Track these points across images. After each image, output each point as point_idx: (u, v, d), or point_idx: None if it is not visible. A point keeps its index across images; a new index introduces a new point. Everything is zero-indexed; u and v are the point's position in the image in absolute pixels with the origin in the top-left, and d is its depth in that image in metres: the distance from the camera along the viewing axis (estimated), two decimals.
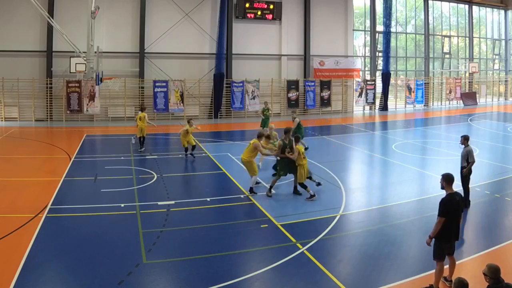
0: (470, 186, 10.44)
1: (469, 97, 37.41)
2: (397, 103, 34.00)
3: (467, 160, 10.08)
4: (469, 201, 10.29)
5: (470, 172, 10.19)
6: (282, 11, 28.87)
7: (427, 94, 35.08)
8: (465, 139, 10.27)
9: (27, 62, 24.19)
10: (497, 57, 41.25)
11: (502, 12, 40.39)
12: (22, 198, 10.78)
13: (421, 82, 34.52)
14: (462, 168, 10.21)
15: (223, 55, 26.98)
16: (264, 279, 6.89)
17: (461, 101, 37.04)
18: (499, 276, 4.83)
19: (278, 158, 11.41)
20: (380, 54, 32.85)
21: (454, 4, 37.52)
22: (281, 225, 8.97)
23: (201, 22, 27.10)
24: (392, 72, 33.03)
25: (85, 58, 18.23)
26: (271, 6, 28.48)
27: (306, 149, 13.73)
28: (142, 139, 16.51)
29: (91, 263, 7.21)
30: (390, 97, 33.77)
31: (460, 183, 10.11)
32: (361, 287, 6.58)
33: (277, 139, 12.59)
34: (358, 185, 12.54)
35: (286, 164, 10.96)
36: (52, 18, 21.47)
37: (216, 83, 26.85)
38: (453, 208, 6.20)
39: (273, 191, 11.04)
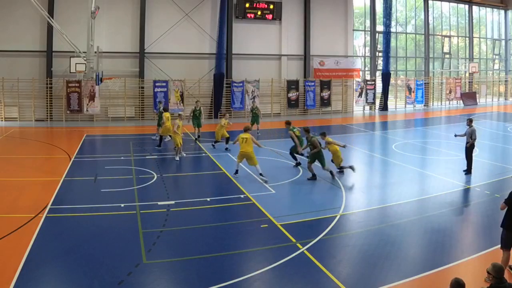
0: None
1: (469, 97, 37.41)
2: (397, 103, 34.00)
3: (471, 137, 12.64)
4: (471, 170, 12.93)
5: (473, 146, 12.78)
6: (282, 11, 28.87)
7: (427, 94, 35.09)
8: (470, 121, 12.95)
9: (27, 62, 24.18)
10: (497, 57, 41.25)
11: (502, 12, 40.40)
12: (22, 198, 10.78)
13: (421, 82, 34.52)
14: (467, 143, 12.83)
15: (223, 55, 26.98)
16: (264, 279, 6.89)
17: (461, 101, 37.05)
18: (502, 276, 4.84)
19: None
20: (380, 54, 32.85)
21: (454, 4, 37.53)
22: (281, 225, 8.96)
23: (201, 22, 27.10)
24: (392, 72, 33.03)
25: (85, 58, 18.22)
26: (271, 6, 28.47)
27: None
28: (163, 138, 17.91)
29: (91, 263, 7.20)
30: (390, 97, 33.77)
31: (464, 156, 12.99)
32: (361, 287, 6.58)
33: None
34: (358, 185, 12.53)
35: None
36: (52, 18, 21.46)
37: (216, 83, 26.85)
38: None
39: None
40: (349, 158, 16.89)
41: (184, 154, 15.42)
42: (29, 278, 6.63)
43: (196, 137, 18.84)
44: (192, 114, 19.30)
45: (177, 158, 14.83)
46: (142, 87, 25.89)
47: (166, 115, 17.44)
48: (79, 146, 17.65)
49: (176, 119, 15.34)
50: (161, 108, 18.77)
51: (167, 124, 17.06)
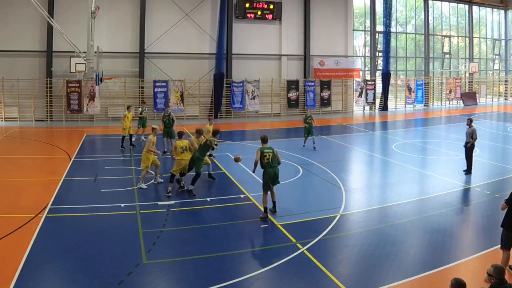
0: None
1: (469, 97, 37.42)
2: (397, 103, 34.00)
3: (472, 137, 12.77)
4: (471, 169, 13.05)
5: (473, 146, 12.90)
6: (282, 11, 28.87)
7: (427, 94, 35.09)
8: (470, 121, 13.08)
9: (27, 62, 24.18)
10: (497, 57, 41.25)
11: (502, 12, 40.41)
12: (22, 198, 10.78)
13: (421, 82, 34.52)
14: (466, 143, 12.94)
15: (223, 55, 26.98)
16: (264, 279, 6.89)
17: (461, 101, 37.05)
18: (503, 277, 4.84)
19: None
20: (380, 54, 32.85)
21: (454, 4, 37.53)
22: (281, 225, 8.97)
23: (201, 22, 27.10)
24: (392, 72, 33.03)
25: (85, 58, 18.23)
26: (271, 6, 28.48)
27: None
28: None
29: (91, 263, 7.21)
30: (390, 97, 33.77)
31: (464, 156, 13.07)
32: (361, 287, 6.58)
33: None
34: (358, 185, 12.53)
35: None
36: (52, 18, 21.46)
37: (216, 83, 26.85)
38: None
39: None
40: (349, 158, 16.92)
41: (145, 186, 11.74)
42: (29, 278, 6.63)
43: (164, 151, 15.46)
44: (162, 122, 16.39)
45: (144, 186, 11.70)
46: (142, 87, 25.89)
47: (128, 115, 16.82)
48: (79, 146, 17.64)
49: (150, 134, 12.30)
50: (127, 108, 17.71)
51: (124, 123, 16.66)
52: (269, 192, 9.57)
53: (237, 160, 10.99)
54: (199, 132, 11.89)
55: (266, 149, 9.57)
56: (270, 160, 9.48)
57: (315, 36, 30.17)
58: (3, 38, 23.59)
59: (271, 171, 9.46)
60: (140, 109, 18.97)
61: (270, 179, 9.46)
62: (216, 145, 12.81)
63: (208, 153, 11.97)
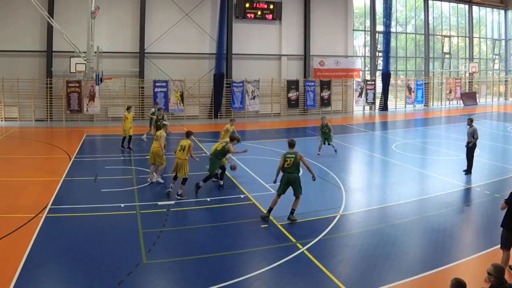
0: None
1: (469, 97, 37.42)
2: (397, 103, 34.00)
3: (473, 136, 12.85)
4: (471, 169, 13.05)
5: (474, 146, 12.94)
6: (282, 11, 28.87)
7: (427, 94, 35.09)
8: (471, 121, 13.19)
9: (27, 62, 24.17)
10: (497, 57, 41.25)
11: (502, 12, 40.41)
12: (22, 198, 10.78)
13: (421, 82, 34.52)
14: (468, 143, 13.00)
15: (223, 55, 26.98)
16: (264, 279, 6.89)
17: (461, 101, 37.05)
18: (503, 276, 4.84)
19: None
20: (380, 54, 32.85)
21: (454, 4, 37.53)
22: (281, 225, 8.97)
23: (201, 22, 27.10)
24: (392, 72, 33.03)
25: (85, 58, 18.23)
26: (271, 6, 28.48)
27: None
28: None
29: (91, 263, 7.21)
30: (390, 97, 33.77)
31: (465, 156, 13.11)
32: (361, 287, 6.58)
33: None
34: (358, 185, 12.54)
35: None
36: (52, 18, 21.46)
37: (216, 83, 26.85)
38: None
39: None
40: (349, 158, 16.91)
41: (152, 180, 12.18)
42: (29, 278, 6.63)
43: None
44: (155, 125, 16.40)
45: (159, 180, 12.20)
46: (142, 87, 25.89)
47: (128, 115, 16.42)
48: (79, 146, 17.64)
49: (161, 130, 12.61)
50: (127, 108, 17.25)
51: (125, 124, 16.26)
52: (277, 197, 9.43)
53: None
54: (235, 140, 11.77)
55: (289, 154, 9.35)
56: (290, 165, 9.27)
57: (315, 36, 30.17)
58: (3, 38, 23.59)
59: (287, 176, 9.29)
60: (152, 109, 19.04)
61: (286, 184, 9.29)
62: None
63: (223, 158, 11.71)
